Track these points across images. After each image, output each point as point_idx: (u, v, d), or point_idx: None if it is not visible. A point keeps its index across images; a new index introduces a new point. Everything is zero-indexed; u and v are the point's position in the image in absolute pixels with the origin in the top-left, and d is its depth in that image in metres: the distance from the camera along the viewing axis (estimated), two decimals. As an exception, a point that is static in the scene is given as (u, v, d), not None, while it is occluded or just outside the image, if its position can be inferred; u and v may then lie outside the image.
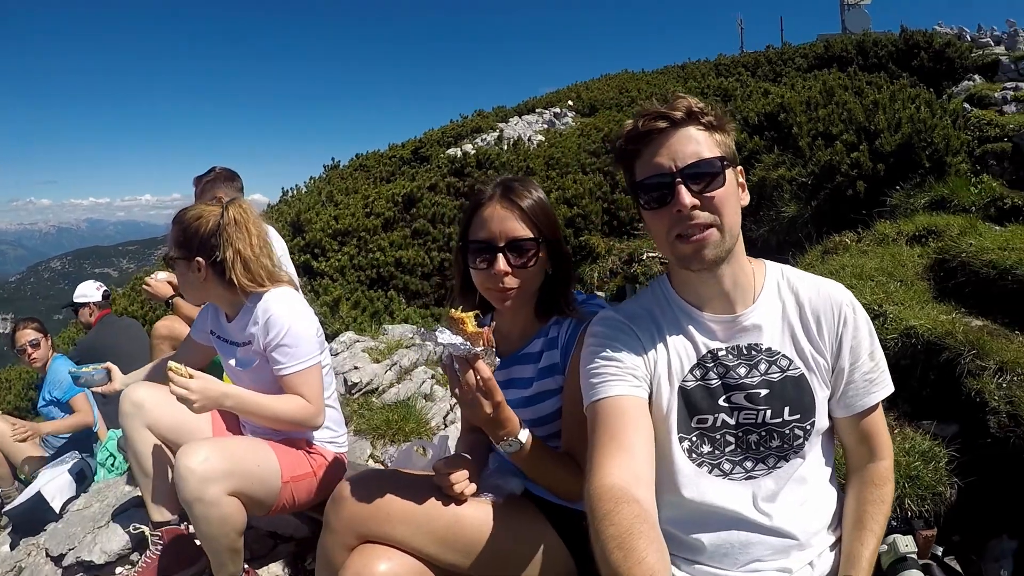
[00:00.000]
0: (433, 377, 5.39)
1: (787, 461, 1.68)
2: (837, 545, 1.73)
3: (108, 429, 5.16)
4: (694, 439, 1.70)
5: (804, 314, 1.72)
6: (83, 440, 5.50)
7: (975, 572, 1.83)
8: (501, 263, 1.92)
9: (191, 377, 2.41)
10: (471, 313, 1.72)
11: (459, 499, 1.92)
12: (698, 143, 1.62)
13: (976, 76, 11.22)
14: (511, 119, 17.37)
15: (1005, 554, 2.89)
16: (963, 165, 6.53)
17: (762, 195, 7.89)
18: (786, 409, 1.67)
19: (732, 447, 1.69)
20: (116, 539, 3.29)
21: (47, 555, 3.47)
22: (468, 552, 1.89)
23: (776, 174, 7.93)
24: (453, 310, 1.73)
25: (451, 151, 14.25)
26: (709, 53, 21.77)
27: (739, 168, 1.72)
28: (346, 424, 3.39)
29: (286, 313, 2.63)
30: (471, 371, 1.71)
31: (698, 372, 1.72)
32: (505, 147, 13.04)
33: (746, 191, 1.75)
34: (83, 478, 4.68)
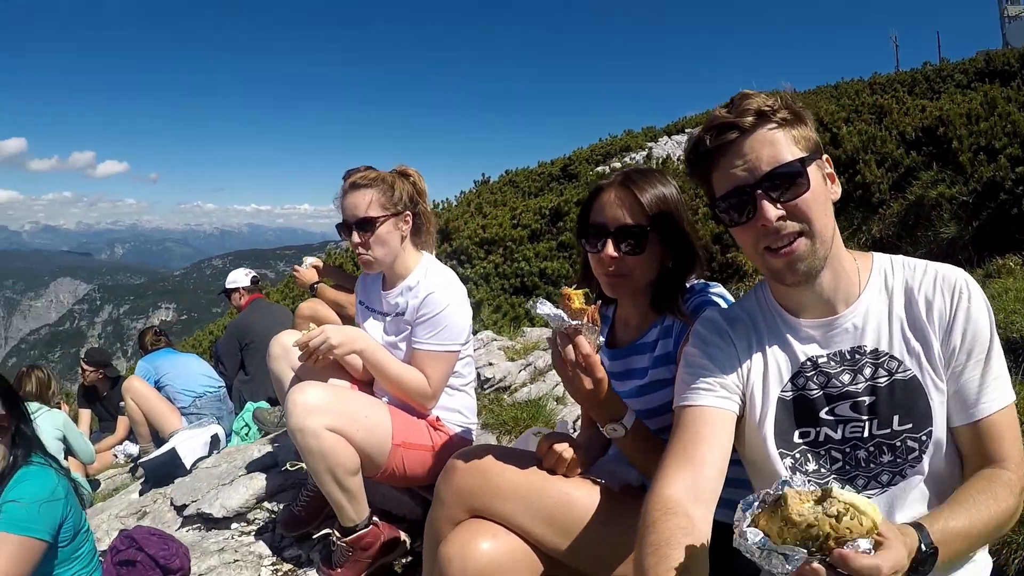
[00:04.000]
0: (569, 380, 5.23)
1: (904, 478, 1.50)
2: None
3: (247, 402, 5.50)
4: (797, 456, 1.56)
5: (914, 306, 1.53)
6: (220, 410, 5.72)
7: None
8: (609, 248, 1.91)
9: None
10: (581, 291, 1.70)
11: (565, 474, 1.88)
12: (774, 145, 1.48)
13: None
14: (660, 139, 16.99)
15: None
16: None
17: (919, 215, 7.37)
18: (895, 418, 1.50)
19: (839, 464, 1.54)
20: (236, 497, 3.46)
21: (171, 504, 3.74)
22: (573, 535, 1.82)
23: (935, 192, 7.35)
24: (566, 287, 1.71)
25: (599, 168, 14.10)
26: (863, 72, 20.58)
27: (825, 158, 1.58)
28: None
29: (448, 297, 2.74)
30: (571, 346, 1.66)
31: (798, 382, 1.59)
32: (654, 165, 12.70)
33: (836, 182, 1.60)
34: (216, 442, 4.83)
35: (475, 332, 6.72)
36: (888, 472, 1.49)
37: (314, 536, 3.04)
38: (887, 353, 1.51)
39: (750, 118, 1.47)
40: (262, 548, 3.08)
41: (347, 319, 4.07)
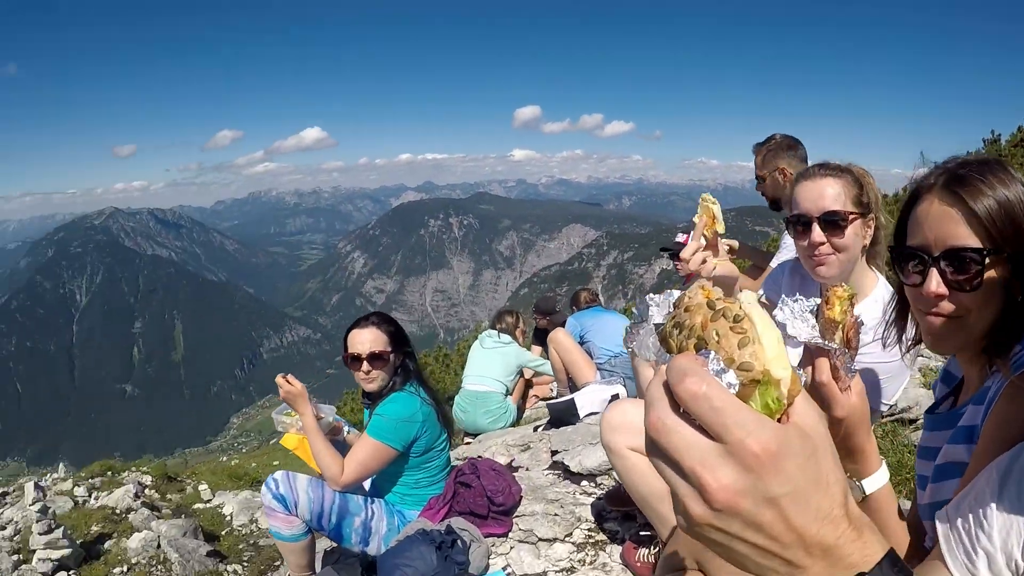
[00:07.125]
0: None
1: None
2: None
3: None
4: None
5: None
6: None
7: None
8: (934, 282, 1.31)
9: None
10: (848, 292, 1.27)
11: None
12: None
13: None
14: None
15: None
16: None
17: None
18: None
19: None
20: (593, 458, 3.75)
21: (549, 448, 4.04)
22: None
23: None
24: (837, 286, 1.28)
25: None
26: None
27: None
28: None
29: None
30: (810, 367, 1.28)
31: None
32: None
33: None
34: (616, 398, 5.23)
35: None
36: None
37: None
38: None
39: None
40: (587, 512, 3.30)
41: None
